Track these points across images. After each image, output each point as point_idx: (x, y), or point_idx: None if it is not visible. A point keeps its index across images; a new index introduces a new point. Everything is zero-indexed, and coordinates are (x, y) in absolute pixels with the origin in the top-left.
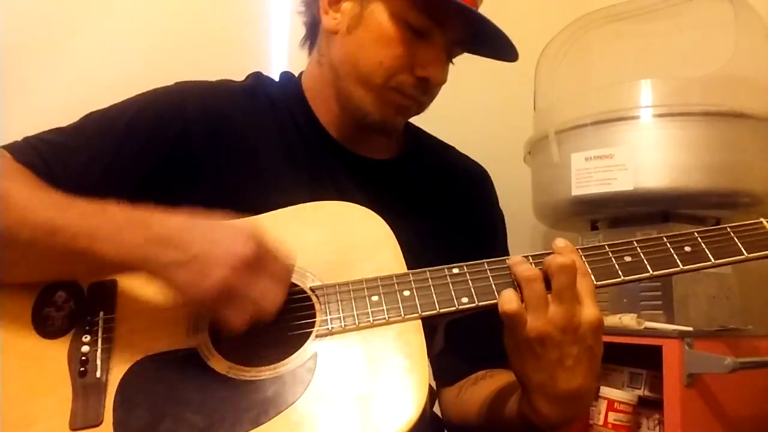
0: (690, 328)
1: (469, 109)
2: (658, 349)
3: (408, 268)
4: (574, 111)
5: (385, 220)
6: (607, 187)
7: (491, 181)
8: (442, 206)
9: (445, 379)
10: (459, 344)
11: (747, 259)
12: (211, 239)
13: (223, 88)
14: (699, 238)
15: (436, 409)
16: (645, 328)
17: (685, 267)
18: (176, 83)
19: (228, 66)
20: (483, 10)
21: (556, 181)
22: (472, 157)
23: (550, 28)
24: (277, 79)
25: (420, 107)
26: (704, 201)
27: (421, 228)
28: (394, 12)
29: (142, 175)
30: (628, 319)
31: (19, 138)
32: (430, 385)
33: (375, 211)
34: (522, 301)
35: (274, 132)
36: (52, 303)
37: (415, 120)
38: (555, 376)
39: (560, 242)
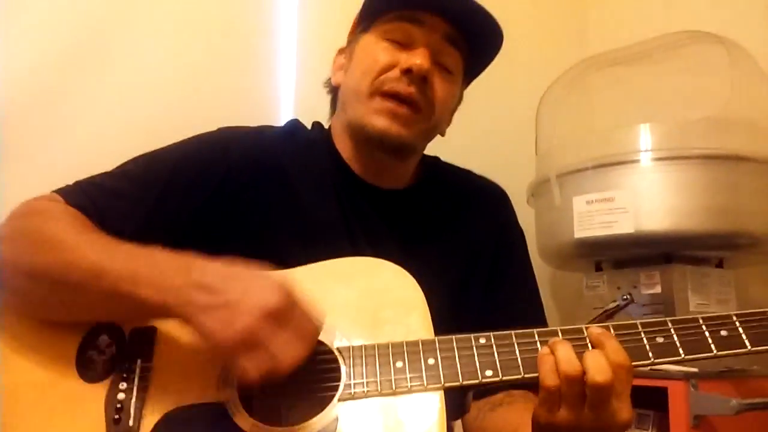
0: (695, 370)
1: (473, 152)
2: (664, 391)
3: (438, 301)
4: (574, 155)
5: (412, 249)
6: (608, 229)
7: (508, 200)
8: (461, 228)
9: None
10: None
11: None
12: (243, 288)
13: (265, 132)
14: (737, 322)
15: None
16: (650, 369)
17: (719, 353)
18: (219, 129)
19: (235, 117)
20: None
21: (558, 223)
22: None
23: (551, 72)
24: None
25: (414, 111)
26: (705, 243)
27: (443, 250)
28: (375, 35)
29: (186, 219)
30: None
31: (20, 196)
32: None
33: (401, 242)
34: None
35: (312, 171)
36: (96, 346)
37: None
38: None
39: (595, 332)
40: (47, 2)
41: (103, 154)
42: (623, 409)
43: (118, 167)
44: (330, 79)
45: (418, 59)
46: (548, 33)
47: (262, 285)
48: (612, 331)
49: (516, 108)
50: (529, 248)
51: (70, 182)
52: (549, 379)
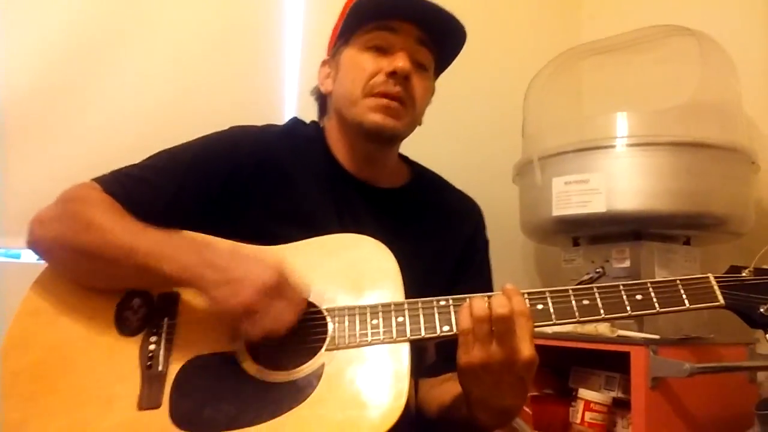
0: (656, 336)
1: (465, 134)
2: (628, 355)
3: (408, 282)
4: (556, 139)
5: (391, 239)
6: (583, 208)
7: (479, 213)
8: (437, 230)
9: (424, 373)
10: (440, 347)
11: (689, 309)
12: (245, 267)
13: (269, 131)
14: (650, 288)
15: None
16: (618, 336)
17: (632, 313)
18: (231, 128)
19: (242, 112)
20: (475, 43)
21: (539, 201)
22: (468, 176)
23: (541, 59)
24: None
25: (403, 106)
26: (672, 222)
27: (420, 246)
28: (356, 46)
29: (201, 205)
30: (603, 328)
31: (22, 191)
32: (410, 394)
33: (382, 231)
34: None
35: (309, 166)
36: (130, 307)
37: (421, 140)
38: (490, 395)
39: (507, 287)
40: (51, 2)
41: (108, 150)
42: (525, 348)
43: (145, 160)
44: (316, 87)
45: (400, 62)
46: (540, 21)
47: (260, 265)
48: (548, 295)
49: (507, 92)
50: (513, 224)
51: (74, 177)
52: (463, 322)
